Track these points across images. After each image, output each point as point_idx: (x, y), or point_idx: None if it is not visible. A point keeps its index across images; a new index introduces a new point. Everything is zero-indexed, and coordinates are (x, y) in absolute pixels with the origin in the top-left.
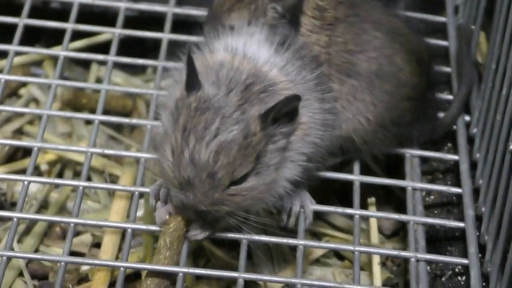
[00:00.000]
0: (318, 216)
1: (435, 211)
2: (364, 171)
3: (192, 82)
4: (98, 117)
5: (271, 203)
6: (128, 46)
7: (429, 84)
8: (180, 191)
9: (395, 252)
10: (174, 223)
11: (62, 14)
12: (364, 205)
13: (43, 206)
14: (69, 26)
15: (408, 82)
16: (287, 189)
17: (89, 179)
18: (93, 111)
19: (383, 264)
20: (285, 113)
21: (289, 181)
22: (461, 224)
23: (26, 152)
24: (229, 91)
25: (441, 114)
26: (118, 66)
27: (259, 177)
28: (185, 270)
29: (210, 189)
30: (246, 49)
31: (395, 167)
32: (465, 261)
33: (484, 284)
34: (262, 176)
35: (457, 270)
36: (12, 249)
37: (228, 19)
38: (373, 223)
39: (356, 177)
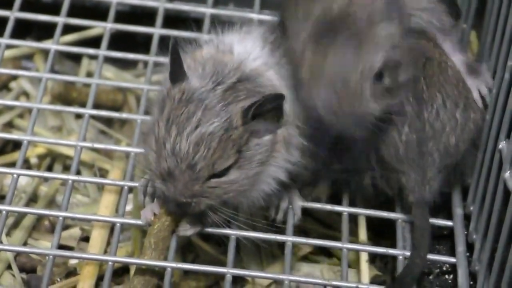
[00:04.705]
0: (307, 212)
1: None
2: None
3: (176, 73)
4: (88, 111)
5: (257, 201)
6: (119, 41)
7: None
8: (162, 183)
9: (383, 250)
10: (158, 224)
11: (54, 7)
12: (352, 202)
13: (32, 199)
14: (60, 19)
15: None
16: (273, 187)
17: (78, 173)
18: (83, 105)
19: (371, 261)
20: (268, 109)
21: (275, 180)
22: (450, 223)
23: (16, 145)
24: (214, 85)
25: None
26: (109, 60)
27: (241, 171)
28: (173, 265)
29: (190, 181)
30: (236, 46)
31: None
32: (452, 259)
33: (471, 282)
34: (244, 170)
35: (444, 268)
36: (0, 242)
37: None
38: (362, 220)
39: None
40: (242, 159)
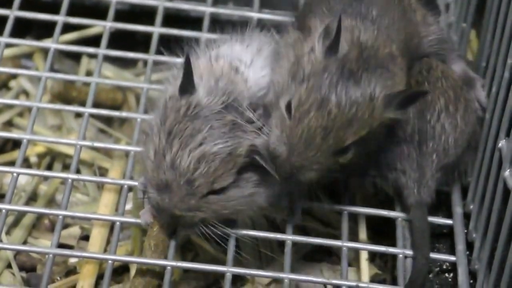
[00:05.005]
0: (306, 211)
1: None
2: None
3: (186, 85)
4: (88, 110)
5: (256, 214)
6: (118, 40)
7: None
8: (157, 193)
9: (383, 248)
10: (157, 227)
11: (53, 6)
12: (352, 201)
13: (32, 198)
14: (60, 18)
15: None
16: (271, 201)
17: (78, 171)
18: (83, 104)
19: (371, 260)
20: None
21: (274, 193)
22: (449, 221)
23: (16, 144)
24: (223, 108)
25: None
26: (108, 59)
27: (239, 189)
28: (173, 263)
29: (187, 195)
30: (251, 65)
31: None
32: (452, 258)
33: (471, 281)
34: (242, 189)
35: (444, 267)
36: (0, 241)
37: None
38: (362, 219)
39: None
40: (241, 180)
